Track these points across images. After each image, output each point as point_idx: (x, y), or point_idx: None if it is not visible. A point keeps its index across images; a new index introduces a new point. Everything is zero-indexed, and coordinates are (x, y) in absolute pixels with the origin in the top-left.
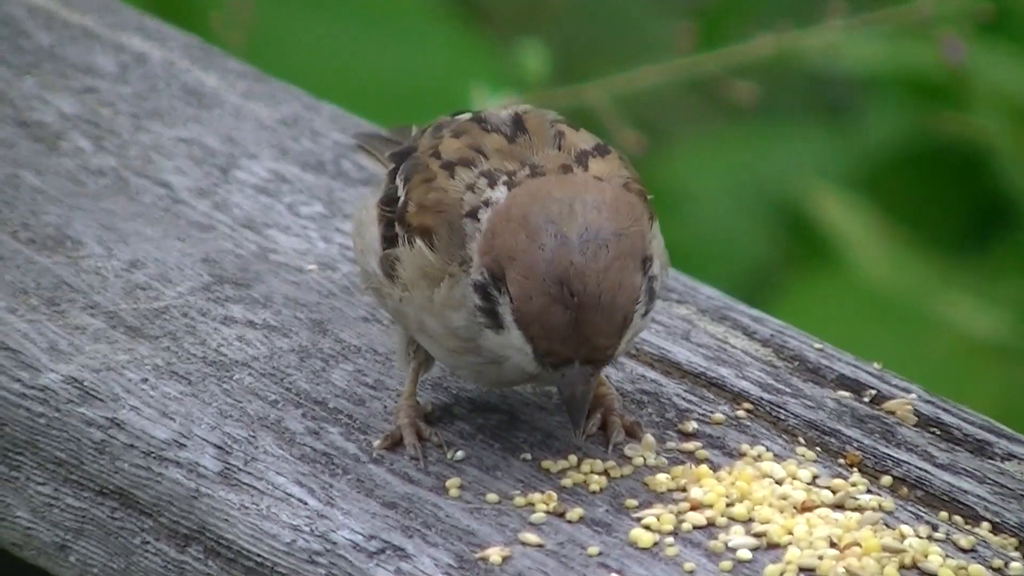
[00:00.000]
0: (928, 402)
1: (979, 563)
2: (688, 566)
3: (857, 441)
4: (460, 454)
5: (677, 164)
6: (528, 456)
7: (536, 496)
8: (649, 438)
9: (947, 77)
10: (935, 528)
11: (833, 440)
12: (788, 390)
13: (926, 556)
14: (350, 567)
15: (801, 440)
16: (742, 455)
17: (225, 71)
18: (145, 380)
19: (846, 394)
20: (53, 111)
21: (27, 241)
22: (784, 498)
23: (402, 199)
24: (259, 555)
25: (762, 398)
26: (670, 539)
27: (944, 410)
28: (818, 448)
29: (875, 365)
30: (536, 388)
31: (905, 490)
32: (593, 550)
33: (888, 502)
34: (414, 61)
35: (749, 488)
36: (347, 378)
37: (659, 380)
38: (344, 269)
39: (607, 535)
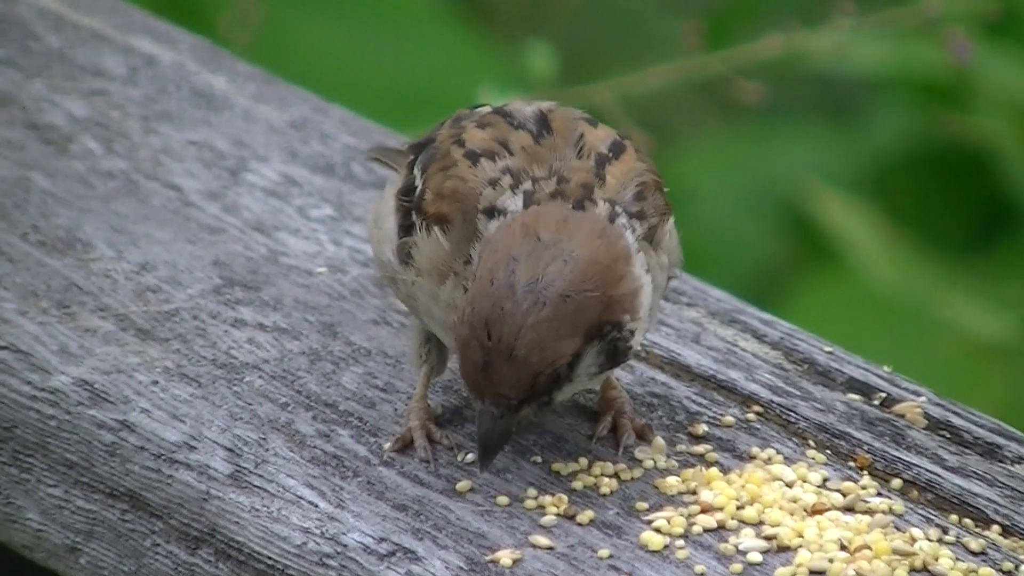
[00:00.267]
0: (938, 405)
1: (989, 566)
2: (699, 569)
3: (867, 444)
4: (471, 456)
5: (684, 164)
6: (539, 459)
7: (547, 499)
8: (659, 441)
9: (954, 78)
10: (945, 531)
11: (843, 443)
12: (798, 393)
13: (936, 559)
14: (361, 570)
15: (811, 443)
16: (752, 458)
17: (235, 73)
18: (155, 382)
19: (856, 397)
20: (63, 114)
21: (37, 243)
22: (794, 501)
23: (419, 188)
24: (270, 557)
25: (772, 401)
26: (680, 542)
27: (954, 413)
28: (828, 451)
29: (885, 368)
30: None
31: (915, 493)
32: (604, 553)
33: (898, 505)
34: (421, 62)
35: (759, 491)
36: (357, 381)
37: (669, 383)
38: (354, 272)
39: (618, 538)
